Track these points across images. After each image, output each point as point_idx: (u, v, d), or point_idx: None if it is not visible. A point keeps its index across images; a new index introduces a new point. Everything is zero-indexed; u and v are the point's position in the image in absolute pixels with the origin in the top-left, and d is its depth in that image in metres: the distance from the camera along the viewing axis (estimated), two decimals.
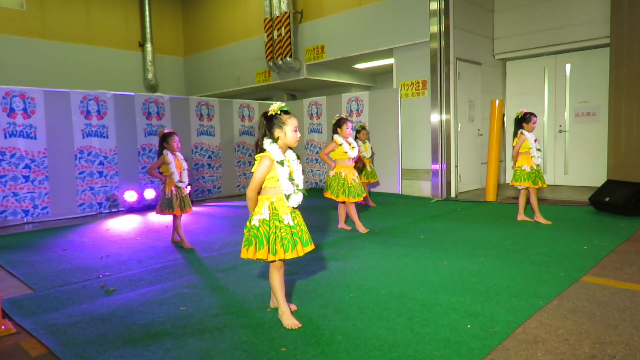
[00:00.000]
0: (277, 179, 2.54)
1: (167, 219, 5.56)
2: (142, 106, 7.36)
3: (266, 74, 10.26)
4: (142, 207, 7.05)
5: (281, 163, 2.53)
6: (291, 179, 2.57)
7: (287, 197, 2.55)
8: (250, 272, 3.60)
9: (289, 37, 9.16)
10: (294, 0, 9.41)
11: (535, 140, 5.18)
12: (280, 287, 2.62)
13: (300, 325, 2.53)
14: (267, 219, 2.52)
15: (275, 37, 9.38)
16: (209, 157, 8.37)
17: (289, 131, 2.56)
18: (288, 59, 9.20)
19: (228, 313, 2.76)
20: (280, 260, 2.56)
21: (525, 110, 5.25)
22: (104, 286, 3.40)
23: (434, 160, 7.51)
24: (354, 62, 9.35)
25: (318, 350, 2.25)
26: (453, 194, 7.55)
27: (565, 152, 8.30)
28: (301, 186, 2.63)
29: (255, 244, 2.50)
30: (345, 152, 4.96)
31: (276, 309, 2.73)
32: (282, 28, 9.22)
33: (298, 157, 2.68)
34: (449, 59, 7.35)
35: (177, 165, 4.56)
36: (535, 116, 5.20)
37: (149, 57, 11.80)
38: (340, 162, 5.04)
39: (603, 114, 7.64)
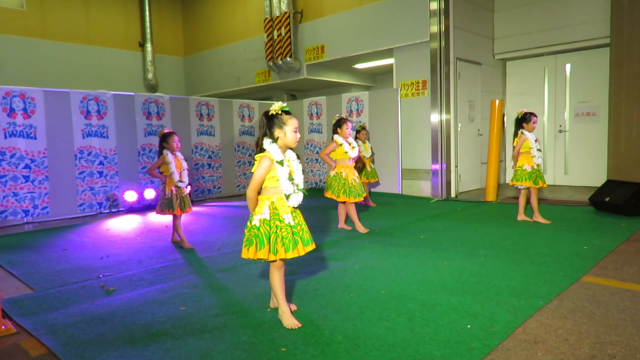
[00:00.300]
0: (277, 179, 2.54)
1: (167, 219, 5.56)
2: (142, 106, 7.36)
3: (266, 74, 10.26)
4: (142, 207, 7.05)
5: (281, 163, 2.53)
6: (291, 179, 2.57)
7: (287, 196, 2.55)
8: (250, 272, 3.60)
9: (289, 37, 9.16)
10: (294, 0, 9.41)
11: (535, 140, 5.19)
12: (280, 287, 2.62)
13: (300, 325, 2.53)
14: (268, 218, 2.52)
15: (275, 37, 9.38)
16: (209, 157, 8.37)
17: (289, 131, 2.56)
18: (288, 59, 9.20)
19: (228, 313, 2.76)
20: (280, 260, 2.56)
21: (525, 110, 5.26)
22: (104, 286, 3.40)
23: (434, 160, 7.51)
24: (354, 62, 9.35)
25: (318, 350, 2.25)
26: (453, 194, 7.55)
27: (565, 152, 8.30)
28: (301, 186, 2.63)
29: (256, 243, 2.50)
30: (346, 152, 4.96)
31: (276, 309, 2.73)
32: (282, 28, 9.22)
33: (298, 157, 2.68)
34: (449, 59, 7.35)
35: (177, 165, 4.56)
36: (536, 116, 5.20)
37: (149, 57, 11.80)
38: (340, 162, 5.05)
39: (603, 114, 7.64)
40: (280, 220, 2.52)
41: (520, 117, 5.23)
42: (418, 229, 5.14)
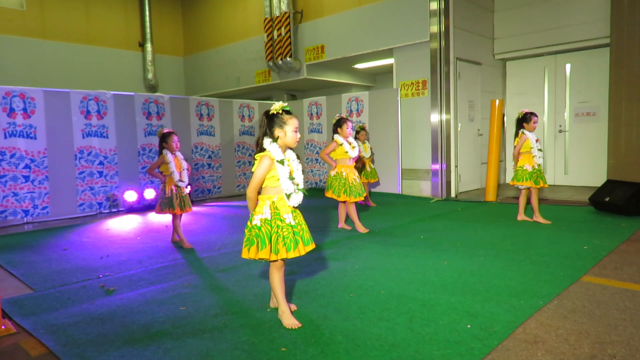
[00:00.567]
0: (278, 179, 2.54)
1: (167, 218, 5.55)
2: (142, 106, 7.36)
3: (266, 74, 10.26)
4: (142, 207, 7.05)
5: (281, 162, 2.53)
6: (291, 178, 2.57)
7: (288, 196, 2.56)
8: (250, 272, 3.60)
9: (289, 37, 9.16)
10: (294, 0, 9.41)
11: (536, 141, 5.19)
12: (280, 287, 2.62)
13: (300, 325, 2.53)
14: (269, 218, 2.52)
15: (275, 37, 9.38)
16: (209, 157, 8.37)
17: (289, 131, 2.56)
18: (288, 59, 9.20)
19: (228, 313, 2.76)
20: (281, 259, 2.56)
21: (526, 110, 5.26)
22: (104, 286, 3.40)
23: (434, 160, 7.51)
24: (354, 62, 9.35)
25: (318, 350, 2.25)
26: (453, 194, 7.55)
27: (565, 152, 8.30)
28: (301, 186, 2.63)
29: (257, 243, 2.50)
30: (346, 152, 4.97)
31: (276, 309, 2.73)
32: (282, 28, 9.22)
33: (298, 157, 2.68)
34: (449, 59, 7.35)
35: (176, 164, 4.56)
36: (536, 116, 5.20)
37: (149, 57, 11.79)
38: (340, 161, 5.05)
39: (603, 114, 7.64)
40: (281, 220, 2.52)
41: (520, 117, 5.24)
42: (418, 229, 5.14)
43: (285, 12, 9.12)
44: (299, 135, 2.62)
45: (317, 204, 7.00)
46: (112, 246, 4.77)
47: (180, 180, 4.56)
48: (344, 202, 5.13)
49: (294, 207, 2.60)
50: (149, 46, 11.76)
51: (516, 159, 5.29)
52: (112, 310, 2.89)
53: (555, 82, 8.35)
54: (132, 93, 7.38)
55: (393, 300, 2.88)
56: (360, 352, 2.21)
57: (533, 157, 5.15)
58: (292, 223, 2.56)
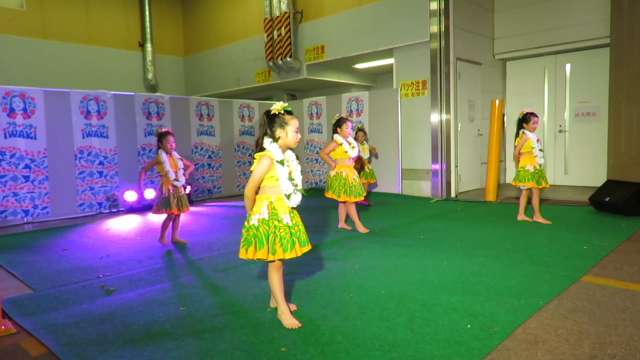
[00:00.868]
0: (277, 179, 2.54)
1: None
2: (142, 106, 7.36)
3: (266, 74, 10.26)
4: (142, 207, 7.05)
5: (281, 162, 2.53)
6: (291, 179, 2.57)
7: (287, 196, 2.55)
8: (250, 272, 3.60)
9: (289, 37, 9.16)
10: (294, 0, 9.41)
11: (537, 141, 5.19)
12: (279, 287, 2.62)
13: (300, 325, 2.53)
14: (267, 218, 2.52)
15: (275, 37, 9.38)
16: (209, 157, 8.37)
17: (290, 131, 2.56)
18: (288, 59, 9.20)
19: (228, 313, 2.76)
20: (279, 260, 2.56)
21: (526, 111, 5.26)
22: (104, 286, 3.40)
23: (434, 160, 7.51)
24: (354, 62, 9.35)
25: (318, 350, 2.25)
26: (453, 194, 7.55)
27: (565, 152, 8.30)
28: (300, 186, 2.63)
29: (255, 244, 2.50)
30: (346, 152, 4.97)
31: (276, 309, 2.73)
32: (282, 28, 9.22)
33: (297, 158, 2.68)
34: (449, 59, 7.35)
35: (172, 164, 4.55)
36: (536, 116, 5.20)
37: (149, 57, 11.79)
38: (340, 161, 5.05)
39: (603, 114, 7.64)
40: (278, 221, 2.52)
41: (521, 117, 5.25)
42: (418, 229, 5.14)
43: (285, 12, 9.12)
44: (299, 136, 2.61)
45: (317, 204, 7.00)
46: (112, 246, 4.77)
47: (176, 180, 4.55)
48: (344, 202, 5.13)
49: (292, 207, 2.59)
50: (149, 46, 11.76)
51: (516, 159, 5.30)
52: (112, 310, 2.89)
53: (555, 82, 8.35)
54: (132, 93, 7.38)
55: (393, 300, 2.88)
56: (360, 352, 2.21)
57: (534, 157, 5.16)
58: (290, 224, 2.55)
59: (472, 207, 6.53)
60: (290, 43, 9.17)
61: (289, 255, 2.50)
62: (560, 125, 8.31)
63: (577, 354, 2.16)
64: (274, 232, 2.50)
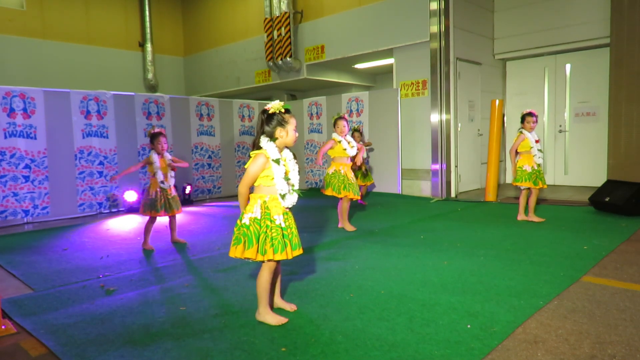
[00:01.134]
0: (272, 178, 2.51)
1: (165, 219, 5.52)
2: (142, 106, 7.36)
3: (266, 74, 10.26)
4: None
5: (277, 161, 2.50)
6: (287, 179, 2.54)
7: (283, 196, 2.52)
8: (250, 272, 3.60)
9: (289, 37, 9.16)
10: (294, 0, 9.41)
11: (536, 141, 5.18)
12: (267, 288, 2.57)
13: (286, 320, 2.54)
14: (259, 217, 2.49)
15: (275, 37, 9.38)
16: (209, 157, 8.37)
17: (290, 130, 2.54)
18: (288, 59, 9.20)
19: (228, 313, 2.76)
20: (274, 261, 2.53)
21: (525, 111, 5.27)
22: (104, 286, 3.40)
23: (434, 160, 7.51)
24: (354, 62, 9.35)
25: (318, 350, 2.25)
26: (453, 194, 7.55)
27: (565, 152, 8.30)
28: (297, 186, 2.60)
29: (245, 242, 2.47)
30: (345, 150, 4.94)
31: (278, 309, 2.73)
32: (282, 28, 9.22)
33: (295, 157, 2.65)
34: (449, 59, 7.35)
35: (162, 166, 4.48)
36: (532, 115, 5.17)
37: (149, 57, 11.79)
38: (338, 160, 5.03)
39: (603, 114, 7.64)
40: (271, 221, 2.49)
41: (521, 117, 5.28)
42: (418, 229, 5.14)
43: (285, 12, 9.12)
44: (297, 134, 2.60)
45: (316, 204, 7.00)
46: (112, 246, 4.77)
47: (163, 182, 4.45)
48: (344, 198, 5.11)
49: (286, 209, 2.56)
50: (149, 46, 11.76)
51: (512, 157, 5.29)
52: (112, 310, 2.89)
53: (555, 82, 8.35)
54: (132, 93, 7.38)
55: (393, 300, 2.88)
56: (360, 352, 2.21)
57: (533, 156, 5.16)
58: (283, 225, 2.51)
59: (472, 207, 6.52)
60: (290, 43, 9.17)
61: (279, 257, 2.45)
62: (560, 125, 8.31)
63: (577, 354, 2.16)
64: (265, 232, 2.46)
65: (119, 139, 7.01)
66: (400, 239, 4.67)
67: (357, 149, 5.26)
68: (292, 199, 2.56)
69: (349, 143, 4.98)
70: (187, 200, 7.70)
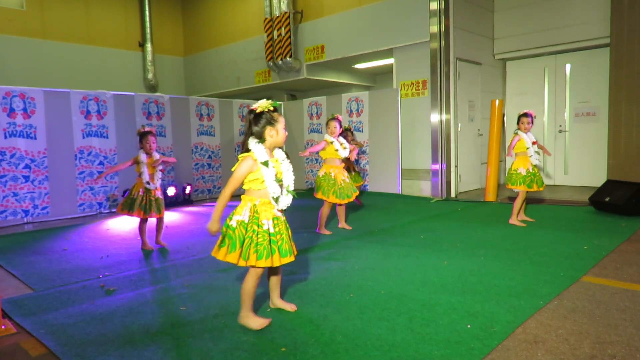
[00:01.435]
0: (262, 181, 2.42)
1: (169, 218, 5.53)
2: (142, 106, 7.36)
3: (266, 74, 10.26)
4: None
5: (265, 164, 2.41)
6: (279, 180, 2.46)
7: (276, 199, 2.44)
8: None
9: (289, 37, 9.16)
10: (294, 0, 9.41)
11: (533, 143, 5.09)
12: (252, 295, 2.49)
13: (269, 320, 2.49)
14: (246, 221, 2.40)
15: (275, 37, 9.38)
16: (209, 157, 8.37)
17: (280, 129, 2.46)
18: (288, 59, 9.20)
19: (228, 313, 2.76)
20: (259, 267, 2.43)
21: (522, 111, 5.21)
22: (104, 286, 3.40)
23: (434, 160, 7.51)
24: (354, 62, 9.35)
25: (318, 350, 2.25)
26: (453, 194, 7.55)
27: (565, 152, 8.30)
28: (292, 187, 2.52)
29: (229, 245, 2.39)
30: (336, 151, 4.87)
31: (277, 309, 2.72)
32: (282, 28, 9.22)
33: (287, 156, 2.57)
34: (449, 59, 7.35)
35: (149, 166, 4.39)
36: (527, 116, 5.09)
37: (149, 57, 11.80)
38: (330, 161, 4.96)
39: (603, 114, 7.64)
40: (258, 225, 2.40)
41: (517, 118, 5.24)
42: (418, 229, 5.14)
43: (285, 12, 9.12)
44: (286, 133, 2.53)
45: (316, 204, 6.96)
46: (112, 246, 4.77)
47: (148, 183, 4.38)
48: (325, 203, 5.00)
49: (277, 213, 2.47)
50: (149, 46, 11.76)
51: (509, 151, 5.25)
52: (112, 310, 2.89)
53: (555, 82, 8.35)
54: (132, 93, 7.38)
55: (393, 300, 2.88)
56: (360, 352, 2.21)
57: (529, 157, 5.09)
58: (271, 231, 2.41)
59: (472, 207, 6.53)
60: (290, 43, 9.17)
61: (262, 264, 2.37)
62: (560, 125, 8.31)
63: (577, 354, 2.17)
64: (251, 236, 2.38)
65: (119, 139, 7.01)
66: (400, 239, 4.67)
67: (350, 150, 5.20)
68: (287, 201, 2.48)
69: (341, 144, 4.91)
70: (187, 200, 7.70)
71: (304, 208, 6.45)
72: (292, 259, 2.49)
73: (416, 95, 7.73)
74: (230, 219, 2.45)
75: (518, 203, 5.24)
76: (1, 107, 5.95)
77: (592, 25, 7.45)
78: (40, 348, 2.42)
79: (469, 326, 2.47)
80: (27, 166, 6.15)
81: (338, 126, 4.92)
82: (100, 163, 6.82)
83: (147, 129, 4.47)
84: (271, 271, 2.71)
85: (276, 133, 2.45)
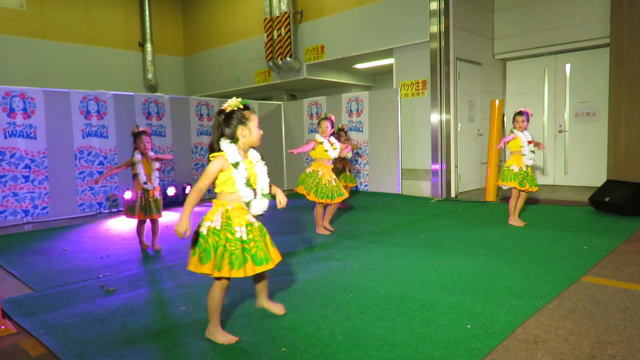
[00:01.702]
0: (234, 182, 2.29)
1: (166, 218, 5.53)
2: (142, 106, 7.36)
3: (266, 74, 10.26)
4: None
5: (235, 165, 2.28)
6: (249, 185, 2.32)
7: (248, 204, 2.31)
8: None
9: (289, 37, 9.16)
10: (294, 0, 9.41)
11: (529, 142, 5.01)
12: (218, 307, 2.34)
13: (236, 338, 2.35)
14: (218, 228, 2.24)
15: (275, 37, 9.38)
16: (209, 157, 8.36)
17: (253, 127, 2.33)
18: (288, 59, 9.20)
19: (228, 313, 2.76)
20: (226, 279, 2.31)
21: (517, 110, 5.16)
22: (104, 286, 3.39)
23: (434, 160, 7.51)
24: (354, 62, 9.35)
25: (318, 350, 2.25)
26: (453, 194, 7.55)
27: (565, 152, 8.30)
28: (266, 190, 2.39)
29: (200, 255, 2.22)
30: (326, 151, 4.81)
31: (264, 310, 2.71)
32: (282, 28, 9.22)
33: (262, 157, 2.44)
34: (449, 59, 7.35)
35: (145, 166, 4.33)
36: (522, 114, 5.02)
37: (149, 57, 11.80)
38: (319, 161, 4.90)
39: (603, 114, 7.64)
40: (231, 233, 2.24)
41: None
42: (418, 229, 5.14)
43: (285, 12, 9.12)
44: (261, 132, 2.39)
45: (313, 203, 6.98)
46: (112, 246, 4.77)
47: (146, 183, 4.33)
48: (318, 204, 4.94)
49: (250, 220, 2.33)
50: (149, 46, 11.77)
51: (500, 145, 5.22)
52: (112, 310, 2.89)
53: (555, 82, 8.35)
54: (132, 93, 7.38)
55: (393, 300, 2.88)
56: (360, 352, 2.21)
57: (522, 156, 5.01)
58: (244, 238, 2.26)
59: (472, 207, 6.53)
60: (290, 43, 9.17)
61: (235, 274, 2.21)
62: (560, 125, 8.31)
63: (577, 354, 2.16)
64: (224, 245, 2.22)
65: (119, 139, 7.01)
66: (400, 239, 4.67)
67: (341, 149, 5.17)
68: (261, 206, 2.34)
69: (332, 145, 4.86)
70: None
71: (301, 208, 6.45)
72: (270, 266, 2.33)
73: (416, 95, 7.73)
74: (201, 226, 2.28)
75: (512, 202, 5.16)
76: (1, 107, 5.95)
77: (592, 25, 7.45)
78: (40, 348, 2.42)
79: (469, 326, 2.47)
80: (27, 166, 6.15)
81: (330, 126, 4.87)
82: (100, 163, 6.82)
83: (140, 129, 4.39)
84: (255, 278, 2.58)
85: (249, 132, 2.32)
